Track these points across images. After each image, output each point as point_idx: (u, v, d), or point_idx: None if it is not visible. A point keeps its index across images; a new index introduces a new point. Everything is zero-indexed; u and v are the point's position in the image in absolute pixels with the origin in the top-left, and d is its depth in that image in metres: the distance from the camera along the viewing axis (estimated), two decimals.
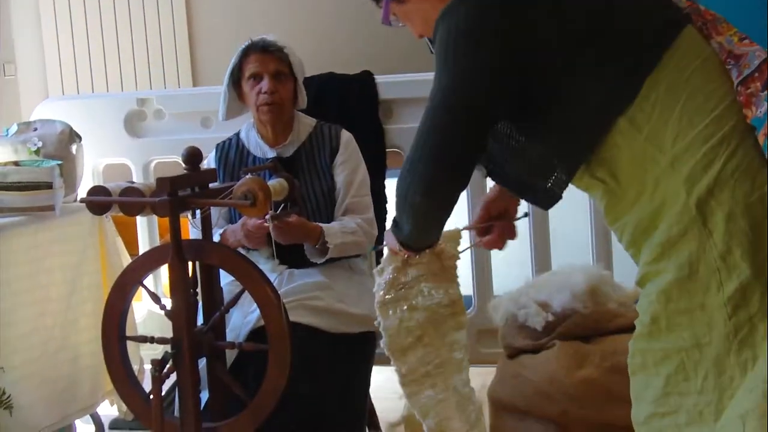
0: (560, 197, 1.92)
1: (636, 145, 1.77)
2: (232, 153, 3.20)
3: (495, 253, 3.59)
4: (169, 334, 2.53)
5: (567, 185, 1.87)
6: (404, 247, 2.16)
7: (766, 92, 1.83)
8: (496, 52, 1.78)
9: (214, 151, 3.24)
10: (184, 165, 2.58)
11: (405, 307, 2.21)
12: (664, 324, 1.77)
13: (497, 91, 1.81)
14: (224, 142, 3.25)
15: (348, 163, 3.14)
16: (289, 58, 3.12)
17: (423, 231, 2.07)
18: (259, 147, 3.17)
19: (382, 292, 2.22)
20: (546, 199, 1.92)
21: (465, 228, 2.27)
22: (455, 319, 2.26)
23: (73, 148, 3.39)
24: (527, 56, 1.77)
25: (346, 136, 3.19)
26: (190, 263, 2.57)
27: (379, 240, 3.31)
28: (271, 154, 3.14)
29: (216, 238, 2.90)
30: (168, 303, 2.56)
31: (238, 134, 3.24)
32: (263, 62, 3.08)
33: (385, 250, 2.24)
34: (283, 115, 3.13)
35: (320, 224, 3.00)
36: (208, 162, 3.18)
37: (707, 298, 1.73)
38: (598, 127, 1.79)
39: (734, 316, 1.71)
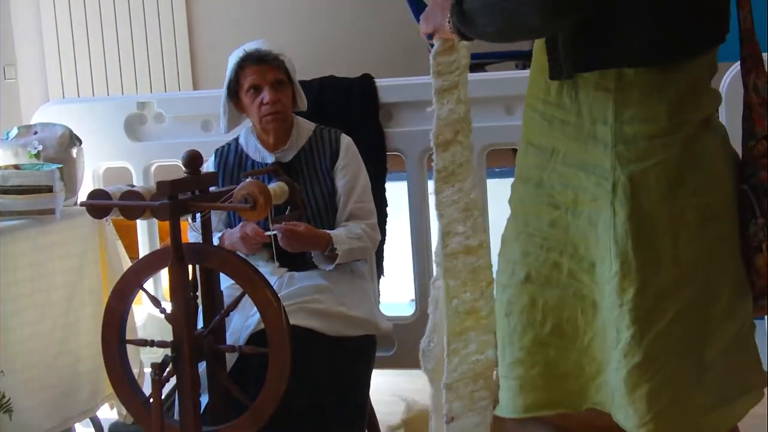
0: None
1: (602, 94, 1.80)
2: (231, 158, 3.20)
3: None
4: (169, 338, 2.53)
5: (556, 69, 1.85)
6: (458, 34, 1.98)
7: None
8: None
9: (213, 156, 3.24)
10: (184, 168, 2.58)
11: (455, 97, 2.15)
12: None
13: None
14: (223, 147, 3.25)
15: (349, 168, 3.14)
16: (285, 64, 3.12)
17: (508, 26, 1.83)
18: (258, 152, 3.17)
19: (441, 80, 2.14)
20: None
21: None
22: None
23: (74, 151, 3.40)
24: None
25: (346, 140, 3.19)
26: (190, 266, 2.57)
27: (381, 245, 3.32)
28: (270, 158, 3.14)
29: (215, 242, 2.91)
30: (168, 306, 2.56)
31: (237, 139, 3.25)
32: (261, 73, 3.08)
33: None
34: (286, 122, 3.13)
35: (328, 231, 3.00)
36: (208, 167, 3.18)
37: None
38: (601, 60, 1.80)
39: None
